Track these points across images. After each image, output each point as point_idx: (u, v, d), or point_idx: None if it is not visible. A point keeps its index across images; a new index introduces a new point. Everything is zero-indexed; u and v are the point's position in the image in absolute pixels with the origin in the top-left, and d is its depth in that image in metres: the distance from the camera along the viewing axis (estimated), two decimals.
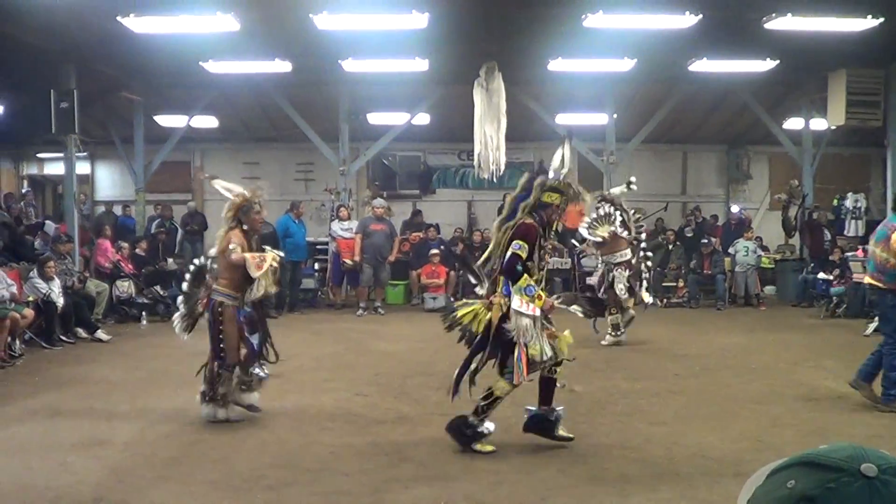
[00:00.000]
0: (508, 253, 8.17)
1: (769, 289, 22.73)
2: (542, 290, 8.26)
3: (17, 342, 13.85)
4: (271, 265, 9.31)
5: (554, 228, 8.78)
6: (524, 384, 8.24)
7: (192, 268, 9.98)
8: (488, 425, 8.36)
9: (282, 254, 9.63)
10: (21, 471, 7.69)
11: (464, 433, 8.33)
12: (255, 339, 9.36)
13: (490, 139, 17.93)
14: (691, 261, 21.59)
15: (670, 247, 21.84)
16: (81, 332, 15.61)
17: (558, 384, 8.58)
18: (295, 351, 14.34)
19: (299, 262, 19.85)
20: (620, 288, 14.44)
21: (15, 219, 19.93)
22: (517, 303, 8.07)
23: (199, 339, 9.29)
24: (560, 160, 8.75)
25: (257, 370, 9.48)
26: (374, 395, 10.90)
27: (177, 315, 9.74)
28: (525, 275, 8.10)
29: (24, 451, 8.31)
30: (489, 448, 8.27)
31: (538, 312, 8.09)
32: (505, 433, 8.91)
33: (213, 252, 9.68)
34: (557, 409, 8.56)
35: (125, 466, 7.79)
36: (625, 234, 14.72)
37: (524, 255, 8.12)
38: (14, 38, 16.29)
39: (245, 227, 9.35)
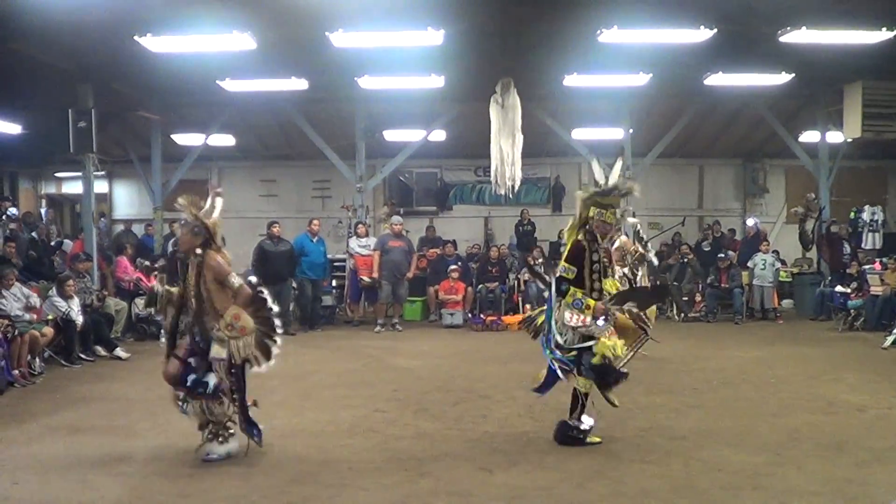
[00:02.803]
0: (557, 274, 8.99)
1: (787, 302, 22.67)
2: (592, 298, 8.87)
3: (37, 360, 13.91)
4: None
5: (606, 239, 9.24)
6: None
7: None
8: (587, 420, 9.07)
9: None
10: (42, 488, 7.73)
11: (571, 436, 9.02)
12: (192, 376, 8.54)
13: (506, 155, 18.02)
14: (709, 275, 21.54)
15: (685, 260, 21.77)
16: (101, 349, 15.65)
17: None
18: (313, 367, 14.42)
19: (318, 280, 19.79)
20: None
21: (40, 237, 20.04)
22: (567, 317, 8.81)
23: None
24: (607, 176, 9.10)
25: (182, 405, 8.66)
26: (393, 411, 10.91)
27: None
28: (571, 289, 8.81)
29: (44, 469, 8.33)
30: (597, 439, 9.07)
31: (589, 322, 8.73)
32: (524, 447, 8.95)
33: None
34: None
35: (145, 483, 7.82)
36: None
37: (570, 276, 8.82)
38: (32, 57, 16.38)
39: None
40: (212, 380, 8.43)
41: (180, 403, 8.58)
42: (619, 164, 9.32)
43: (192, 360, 8.54)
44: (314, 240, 19.72)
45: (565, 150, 23.63)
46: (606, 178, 9.22)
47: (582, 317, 8.74)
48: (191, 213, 8.61)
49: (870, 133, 19.46)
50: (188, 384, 8.47)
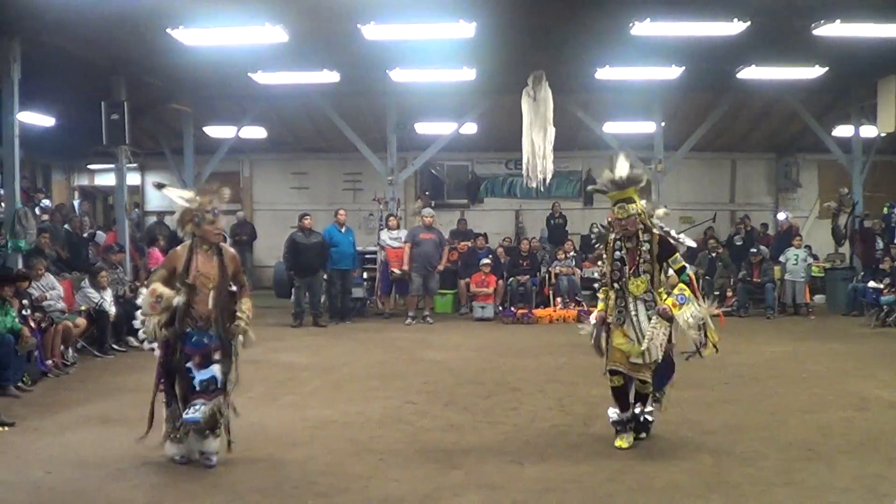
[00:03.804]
0: None
1: (818, 298, 22.49)
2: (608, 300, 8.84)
3: (70, 351, 13.98)
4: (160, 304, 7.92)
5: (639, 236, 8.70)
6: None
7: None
8: (610, 413, 8.93)
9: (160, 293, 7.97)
10: (75, 477, 7.78)
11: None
12: (201, 375, 8.04)
13: (538, 148, 17.96)
14: (740, 269, 21.44)
15: (713, 255, 21.62)
16: (133, 340, 15.62)
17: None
18: (344, 359, 14.45)
19: (348, 271, 19.80)
20: None
21: (73, 229, 20.14)
22: None
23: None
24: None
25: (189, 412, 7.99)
26: (424, 404, 10.93)
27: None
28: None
29: (78, 458, 8.38)
30: (618, 443, 8.73)
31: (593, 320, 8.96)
32: (554, 440, 8.94)
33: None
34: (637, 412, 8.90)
35: (177, 473, 7.87)
36: None
37: (602, 269, 9.03)
38: (65, 50, 16.48)
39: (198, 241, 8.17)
40: (216, 373, 8.06)
41: (192, 410, 7.97)
42: (621, 159, 8.94)
43: (189, 364, 8.09)
44: (342, 230, 19.71)
45: (597, 143, 23.54)
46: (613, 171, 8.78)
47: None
48: (218, 200, 8.23)
49: None
50: (198, 388, 8.06)
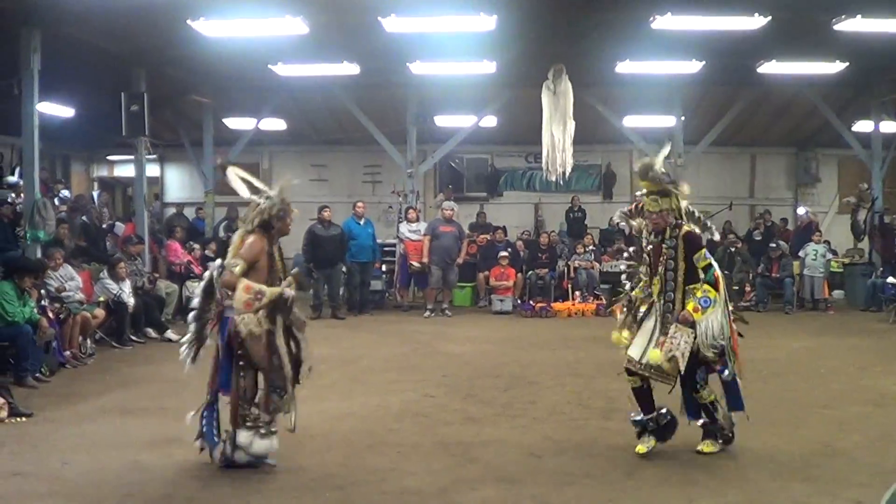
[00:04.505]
0: None
1: (837, 293, 22.41)
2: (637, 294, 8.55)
3: (89, 342, 14.04)
4: (265, 304, 7.64)
5: (666, 232, 8.16)
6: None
7: (202, 282, 8.40)
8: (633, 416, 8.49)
9: (289, 291, 7.82)
10: (93, 467, 7.80)
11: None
12: None
13: (557, 141, 17.92)
14: (759, 264, 21.39)
15: (731, 249, 21.54)
16: (151, 332, 15.79)
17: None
18: (363, 351, 14.47)
19: (367, 264, 19.85)
20: None
21: (91, 220, 20.17)
22: None
23: None
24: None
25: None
26: (442, 396, 10.94)
27: (185, 338, 8.38)
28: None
29: (95, 449, 8.42)
30: (637, 448, 8.30)
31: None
32: (572, 434, 8.94)
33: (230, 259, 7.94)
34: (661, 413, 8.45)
35: (195, 464, 7.87)
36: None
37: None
38: (86, 42, 16.50)
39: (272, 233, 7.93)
40: None
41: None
42: (666, 149, 8.54)
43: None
44: (361, 222, 19.78)
45: (617, 137, 23.54)
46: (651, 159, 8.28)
47: None
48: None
49: None
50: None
